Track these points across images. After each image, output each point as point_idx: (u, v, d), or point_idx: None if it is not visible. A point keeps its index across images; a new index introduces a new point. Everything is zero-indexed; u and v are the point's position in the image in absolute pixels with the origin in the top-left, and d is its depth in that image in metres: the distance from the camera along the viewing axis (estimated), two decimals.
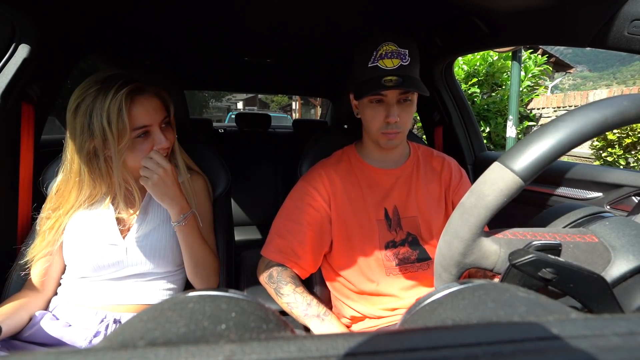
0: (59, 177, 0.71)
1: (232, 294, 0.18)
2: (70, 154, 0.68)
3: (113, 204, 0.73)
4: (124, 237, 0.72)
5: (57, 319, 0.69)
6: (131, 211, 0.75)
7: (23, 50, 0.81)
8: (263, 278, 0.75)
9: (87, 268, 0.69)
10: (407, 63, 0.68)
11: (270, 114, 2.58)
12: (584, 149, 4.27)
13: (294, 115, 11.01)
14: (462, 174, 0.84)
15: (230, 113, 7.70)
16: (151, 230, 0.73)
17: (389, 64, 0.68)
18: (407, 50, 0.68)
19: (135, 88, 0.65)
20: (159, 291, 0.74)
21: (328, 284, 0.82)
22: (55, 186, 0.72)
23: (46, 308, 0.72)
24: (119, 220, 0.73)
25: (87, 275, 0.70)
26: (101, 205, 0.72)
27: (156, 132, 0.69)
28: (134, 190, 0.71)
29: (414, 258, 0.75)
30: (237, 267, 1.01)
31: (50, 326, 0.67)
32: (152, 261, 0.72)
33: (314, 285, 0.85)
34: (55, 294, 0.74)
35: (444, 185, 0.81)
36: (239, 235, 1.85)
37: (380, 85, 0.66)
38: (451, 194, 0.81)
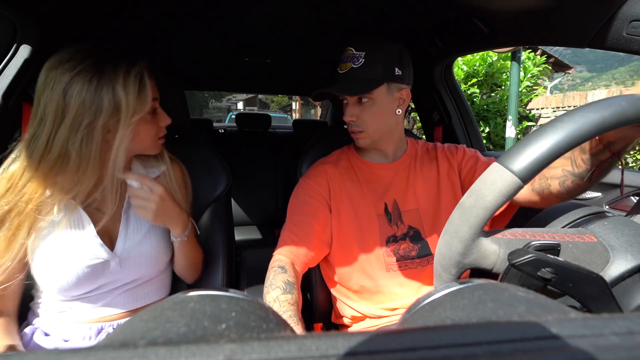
0: (15, 165, 0.57)
1: (232, 293, 0.18)
2: (50, 135, 0.55)
3: (87, 211, 0.62)
4: (112, 250, 0.64)
5: (48, 334, 0.64)
6: (110, 219, 0.63)
7: (24, 51, 0.81)
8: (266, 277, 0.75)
9: (76, 291, 0.61)
10: (359, 65, 0.71)
11: (270, 114, 2.58)
12: None
13: (294, 115, 11.01)
14: (457, 147, 0.84)
15: (231, 113, 7.70)
16: (142, 239, 0.67)
17: (343, 67, 0.74)
18: (363, 53, 0.71)
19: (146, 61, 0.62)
20: (151, 292, 0.72)
21: (328, 284, 0.82)
22: (6, 176, 0.57)
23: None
24: (101, 233, 0.63)
25: (76, 297, 0.63)
26: (67, 217, 0.60)
27: (159, 109, 0.65)
28: (111, 191, 0.60)
29: (414, 254, 0.75)
30: (237, 267, 1.01)
31: (45, 342, 0.62)
32: (146, 268, 0.68)
33: (314, 286, 0.85)
34: (34, 314, 0.65)
35: (443, 168, 0.80)
36: (239, 235, 1.85)
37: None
38: (456, 167, 0.80)
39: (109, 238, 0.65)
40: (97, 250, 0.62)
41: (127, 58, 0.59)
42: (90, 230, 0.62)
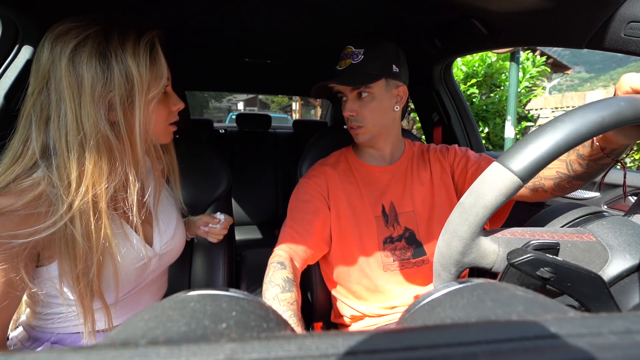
0: (38, 172, 0.47)
1: (232, 293, 0.18)
2: (75, 114, 0.46)
3: (126, 203, 0.54)
4: (151, 246, 0.60)
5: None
6: (141, 208, 0.58)
7: (26, 52, 0.81)
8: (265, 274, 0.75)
9: (114, 296, 0.54)
10: (359, 61, 0.74)
11: (271, 115, 2.59)
12: None
13: (294, 115, 11.00)
14: (448, 148, 0.84)
15: (231, 113, 7.69)
16: (174, 233, 0.66)
17: (342, 64, 0.76)
18: (362, 50, 0.74)
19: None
20: (162, 286, 0.72)
21: (327, 284, 0.83)
22: (30, 185, 0.46)
23: None
24: (136, 227, 0.57)
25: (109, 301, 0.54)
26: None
27: (170, 90, 0.58)
28: (138, 178, 0.53)
29: (410, 255, 0.75)
30: (237, 267, 1.02)
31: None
32: (174, 258, 0.68)
33: (314, 285, 0.85)
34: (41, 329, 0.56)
35: (436, 171, 0.81)
36: (239, 235, 1.85)
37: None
38: (448, 170, 0.80)
39: (142, 236, 0.60)
40: (142, 250, 0.57)
41: (136, 26, 0.52)
42: (128, 229, 0.56)
